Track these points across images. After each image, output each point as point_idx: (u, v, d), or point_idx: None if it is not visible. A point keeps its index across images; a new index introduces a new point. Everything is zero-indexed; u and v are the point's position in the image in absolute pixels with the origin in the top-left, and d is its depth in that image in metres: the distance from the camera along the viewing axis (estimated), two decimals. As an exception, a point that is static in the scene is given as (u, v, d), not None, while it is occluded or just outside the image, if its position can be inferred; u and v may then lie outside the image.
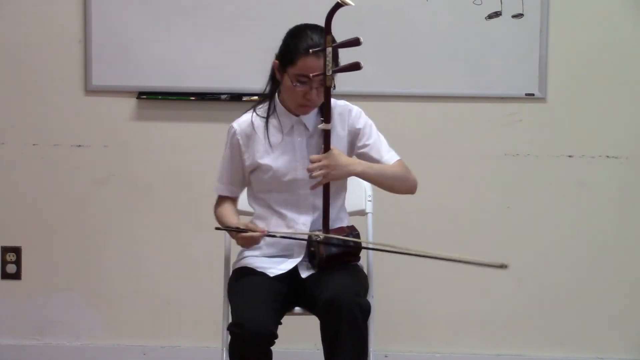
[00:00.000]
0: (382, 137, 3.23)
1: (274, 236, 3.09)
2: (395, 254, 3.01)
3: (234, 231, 3.07)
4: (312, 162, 3.06)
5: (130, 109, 4.29)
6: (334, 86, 3.06)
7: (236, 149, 3.22)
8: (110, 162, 4.31)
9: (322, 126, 3.09)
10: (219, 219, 3.24)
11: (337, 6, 3.01)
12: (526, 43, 4.15)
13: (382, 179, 3.15)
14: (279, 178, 3.17)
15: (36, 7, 4.27)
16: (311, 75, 3.04)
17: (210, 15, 4.20)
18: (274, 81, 3.19)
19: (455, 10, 4.15)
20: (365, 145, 3.20)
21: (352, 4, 3.00)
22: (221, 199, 3.30)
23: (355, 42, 3.01)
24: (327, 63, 3.01)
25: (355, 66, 3.03)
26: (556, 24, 4.15)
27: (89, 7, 4.21)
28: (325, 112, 3.08)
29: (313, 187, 3.11)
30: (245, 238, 3.06)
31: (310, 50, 3.03)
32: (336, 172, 3.07)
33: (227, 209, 3.25)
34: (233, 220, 3.17)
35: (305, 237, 3.13)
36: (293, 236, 3.14)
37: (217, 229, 3.13)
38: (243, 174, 3.26)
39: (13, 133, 4.33)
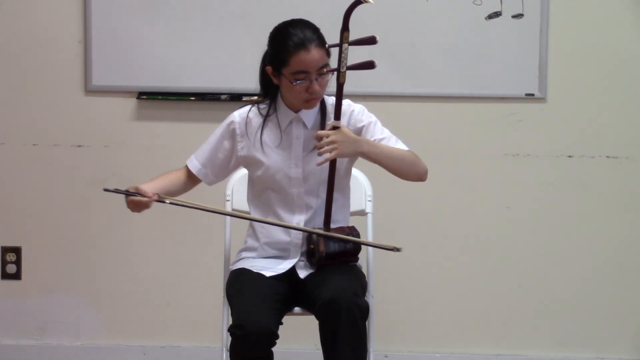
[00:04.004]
0: (387, 131, 3.18)
1: (162, 201, 3.07)
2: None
3: (123, 194, 3.04)
4: (319, 137, 3.02)
5: (130, 109, 4.29)
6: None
7: (229, 135, 3.20)
8: (110, 162, 4.31)
9: (332, 123, 3.05)
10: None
11: (357, 3, 2.96)
12: (526, 43, 4.15)
13: (390, 160, 3.08)
14: (272, 175, 3.16)
15: (36, 7, 4.27)
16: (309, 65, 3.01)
17: (210, 15, 4.20)
18: (272, 85, 3.16)
19: (455, 10, 4.15)
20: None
21: (372, 1, 2.93)
22: (183, 170, 3.27)
23: (371, 40, 2.98)
24: (342, 59, 2.99)
25: (369, 64, 3.00)
26: (556, 24, 4.15)
27: (89, 7, 4.22)
28: (337, 110, 3.06)
29: (320, 163, 3.04)
30: (134, 202, 3.05)
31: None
32: (345, 148, 3.02)
33: (168, 176, 3.24)
34: (154, 184, 3.15)
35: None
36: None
37: (105, 190, 3.05)
38: (223, 161, 3.23)
39: (13, 133, 4.33)
